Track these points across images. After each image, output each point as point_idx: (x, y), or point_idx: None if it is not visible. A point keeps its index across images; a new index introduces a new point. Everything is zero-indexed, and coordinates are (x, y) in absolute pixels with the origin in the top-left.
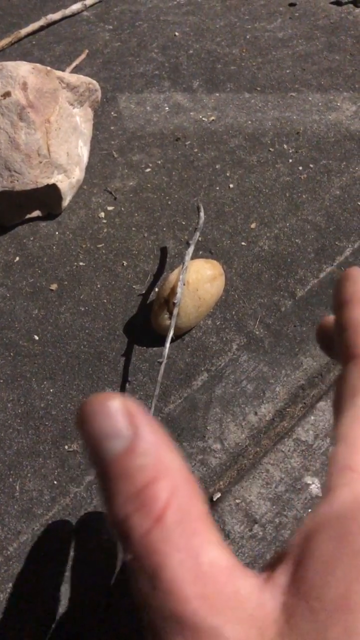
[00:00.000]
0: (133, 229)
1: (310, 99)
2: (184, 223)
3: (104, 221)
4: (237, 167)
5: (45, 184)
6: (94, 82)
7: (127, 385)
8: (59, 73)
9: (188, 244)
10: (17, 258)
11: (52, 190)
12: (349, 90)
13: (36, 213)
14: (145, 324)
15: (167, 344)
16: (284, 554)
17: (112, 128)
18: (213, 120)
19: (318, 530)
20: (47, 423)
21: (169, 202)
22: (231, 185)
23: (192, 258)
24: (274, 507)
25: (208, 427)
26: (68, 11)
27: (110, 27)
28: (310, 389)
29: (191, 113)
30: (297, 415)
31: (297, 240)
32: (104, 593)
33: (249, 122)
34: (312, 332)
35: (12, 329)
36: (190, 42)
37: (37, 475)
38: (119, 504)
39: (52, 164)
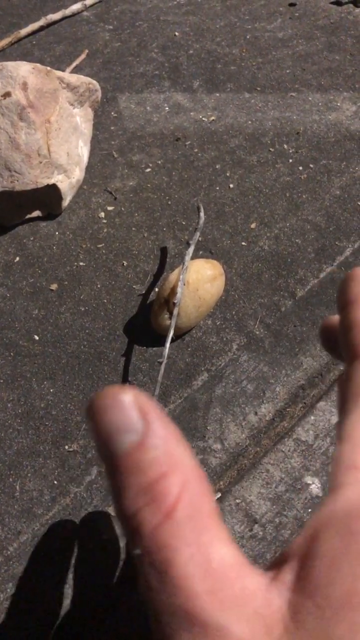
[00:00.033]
0: (133, 229)
1: (310, 99)
2: (184, 223)
3: (104, 221)
4: (237, 167)
5: (46, 184)
6: (94, 82)
7: (127, 385)
8: (59, 73)
9: (188, 244)
10: (17, 258)
11: (52, 191)
12: (349, 90)
13: (36, 213)
14: (145, 324)
15: (167, 344)
16: (290, 552)
17: (112, 128)
18: (213, 120)
19: (323, 529)
20: (47, 423)
21: (169, 202)
22: (231, 185)
23: (192, 258)
24: (274, 507)
25: (208, 427)
26: (68, 11)
27: (110, 27)
28: (311, 389)
29: (191, 113)
30: (297, 415)
31: (297, 240)
32: (104, 593)
33: (249, 122)
34: (312, 332)
35: (12, 329)
36: (190, 42)
37: (37, 475)
38: (129, 498)
39: (52, 164)
